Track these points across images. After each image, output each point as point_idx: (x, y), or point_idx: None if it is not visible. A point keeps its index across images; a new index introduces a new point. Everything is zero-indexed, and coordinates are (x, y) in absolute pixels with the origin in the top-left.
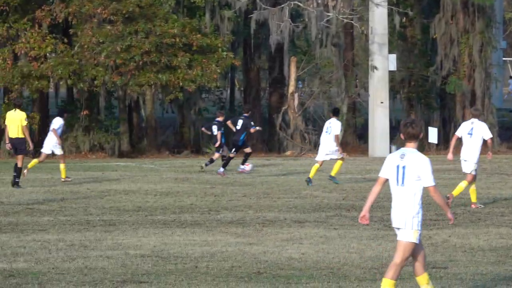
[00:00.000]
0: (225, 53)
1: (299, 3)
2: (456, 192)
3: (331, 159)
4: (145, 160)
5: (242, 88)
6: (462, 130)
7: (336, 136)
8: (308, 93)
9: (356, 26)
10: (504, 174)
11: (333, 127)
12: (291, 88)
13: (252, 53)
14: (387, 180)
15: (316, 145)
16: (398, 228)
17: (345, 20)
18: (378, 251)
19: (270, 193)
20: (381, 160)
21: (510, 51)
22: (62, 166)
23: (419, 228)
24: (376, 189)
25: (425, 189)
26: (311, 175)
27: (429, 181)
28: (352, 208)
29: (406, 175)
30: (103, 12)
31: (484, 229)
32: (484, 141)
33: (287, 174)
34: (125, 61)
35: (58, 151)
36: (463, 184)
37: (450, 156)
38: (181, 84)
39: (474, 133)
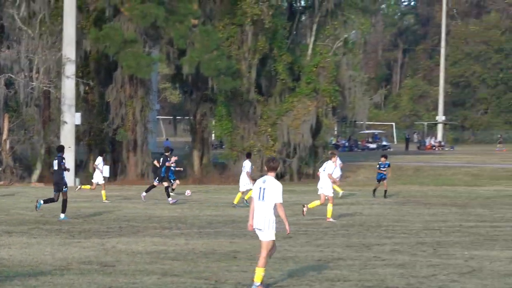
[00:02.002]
0: None
1: (11, 75)
2: (312, 205)
3: (247, 189)
4: None
5: None
6: (321, 168)
7: (248, 173)
8: (16, 139)
9: (52, 92)
10: (154, 199)
11: (246, 166)
12: (4, 136)
13: None
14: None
15: (20, 177)
16: (260, 229)
17: (45, 88)
18: (65, 254)
19: None
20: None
21: (162, 111)
22: (103, 192)
23: (274, 229)
24: (252, 205)
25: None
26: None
27: (278, 199)
28: (47, 222)
29: (266, 194)
30: None
31: (142, 238)
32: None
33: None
34: None
35: (101, 181)
36: (317, 202)
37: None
38: None
39: (326, 169)
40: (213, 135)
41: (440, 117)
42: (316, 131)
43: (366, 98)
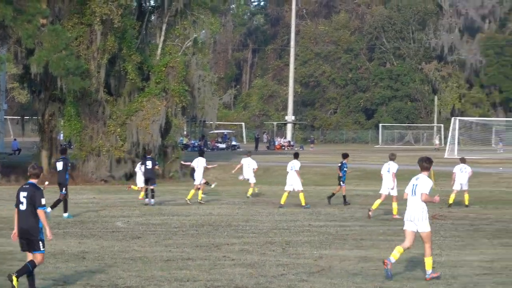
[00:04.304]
0: None
1: None
2: (374, 206)
3: (293, 189)
4: None
5: None
6: (383, 169)
7: (297, 172)
8: None
9: None
10: (2, 200)
11: (295, 165)
12: None
13: None
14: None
15: None
16: (412, 221)
17: None
18: None
19: None
20: None
21: (10, 111)
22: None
23: (428, 219)
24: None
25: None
26: (302, 203)
27: (425, 190)
28: None
29: (417, 189)
30: None
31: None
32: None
33: None
34: None
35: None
36: (379, 201)
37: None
38: None
39: (390, 170)
40: (61, 135)
41: (290, 117)
42: (165, 131)
43: (216, 98)
